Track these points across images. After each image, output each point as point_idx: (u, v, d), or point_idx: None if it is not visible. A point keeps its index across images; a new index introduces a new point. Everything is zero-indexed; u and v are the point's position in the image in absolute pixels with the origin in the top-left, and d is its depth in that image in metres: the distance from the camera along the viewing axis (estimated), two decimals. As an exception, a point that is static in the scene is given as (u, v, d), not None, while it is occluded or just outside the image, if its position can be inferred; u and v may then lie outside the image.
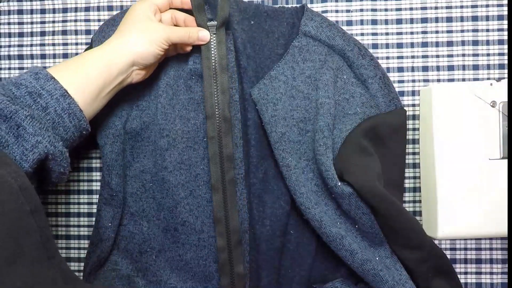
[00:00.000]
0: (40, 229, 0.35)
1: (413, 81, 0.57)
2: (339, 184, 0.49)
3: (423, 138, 0.54)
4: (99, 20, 0.59)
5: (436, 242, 0.55)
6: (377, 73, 0.54)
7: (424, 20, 0.57)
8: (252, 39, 0.55)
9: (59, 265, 0.36)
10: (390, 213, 0.48)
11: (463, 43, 0.57)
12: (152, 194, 0.54)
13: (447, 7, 0.57)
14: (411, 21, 0.57)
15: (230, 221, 0.52)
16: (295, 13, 0.56)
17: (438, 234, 0.50)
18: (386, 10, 0.57)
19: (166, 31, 0.48)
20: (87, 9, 0.59)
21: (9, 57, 0.60)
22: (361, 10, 0.57)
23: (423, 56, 0.57)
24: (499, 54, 0.56)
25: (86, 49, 0.55)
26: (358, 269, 0.49)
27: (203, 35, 0.50)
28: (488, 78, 0.56)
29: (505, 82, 0.49)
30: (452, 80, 0.57)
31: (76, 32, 0.59)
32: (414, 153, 0.57)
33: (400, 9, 0.57)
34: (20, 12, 0.60)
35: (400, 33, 0.57)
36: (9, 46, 0.60)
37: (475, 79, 0.57)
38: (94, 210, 0.58)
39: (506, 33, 0.56)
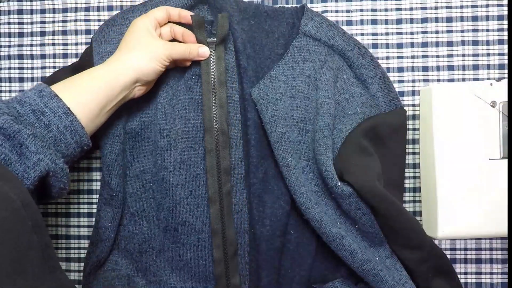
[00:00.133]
0: (42, 243, 0.36)
1: (413, 81, 0.57)
2: (339, 184, 0.49)
3: (423, 138, 0.54)
4: (99, 20, 0.59)
5: (436, 242, 0.55)
6: (377, 73, 0.54)
7: (424, 20, 0.57)
8: (252, 39, 0.55)
9: (60, 279, 0.37)
10: (390, 213, 0.48)
11: (463, 43, 0.57)
12: (152, 194, 0.54)
13: (447, 7, 0.57)
14: (411, 21, 0.57)
15: (227, 233, 0.52)
16: (295, 13, 0.56)
17: (438, 234, 0.50)
18: (386, 10, 0.57)
19: (168, 48, 0.49)
20: (87, 9, 0.59)
21: (9, 57, 0.60)
22: (361, 10, 0.57)
23: (423, 56, 0.57)
24: (499, 54, 0.56)
25: (86, 49, 0.55)
26: (358, 269, 0.49)
27: (203, 51, 0.51)
28: (488, 78, 0.56)
29: (505, 82, 0.49)
30: (452, 80, 0.57)
31: (76, 32, 0.59)
32: (414, 153, 0.57)
33: (400, 9, 0.57)
34: (20, 12, 0.60)
35: (400, 33, 0.57)
36: (9, 46, 0.60)
37: (475, 79, 0.57)
38: (94, 210, 0.58)
39: (506, 33, 0.56)
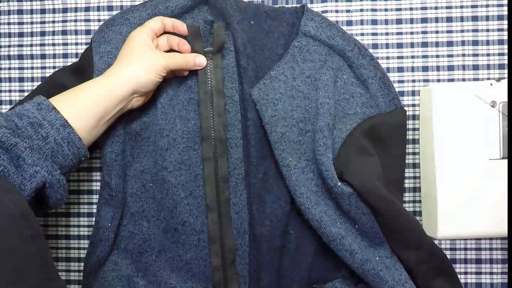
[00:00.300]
0: (40, 253, 0.37)
1: (413, 81, 0.57)
2: (339, 184, 0.49)
3: (423, 138, 0.54)
4: (99, 20, 0.59)
5: (436, 242, 0.55)
6: (377, 73, 0.54)
7: (424, 20, 0.57)
8: (252, 39, 0.55)
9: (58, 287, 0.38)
10: (390, 213, 0.48)
11: (463, 43, 0.57)
12: (152, 194, 0.54)
13: (447, 7, 0.57)
14: (411, 21, 0.57)
15: (225, 240, 0.52)
16: (295, 13, 0.56)
17: (438, 234, 0.50)
18: (386, 10, 0.57)
19: (165, 59, 0.49)
20: (87, 9, 0.59)
21: (9, 57, 0.60)
22: (361, 10, 0.57)
23: (423, 56, 0.57)
24: (499, 54, 0.56)
25: (85, 49, 0.55)
26: (358, 269, 0.49)
27: (199, 61, 0.52)
28: (488, 78, 0.56)
29: (505, 82, 0.49)
30: (452, 80, 0.57)
31: (76, 32, 0.59)
32: (414, 153, 0.57)
33: (400, 9, 0.57)
34: (20, 12, 0.60)
35: (400, 33, 0.57)
36: (9, 46, 0.60)
37: (475, 79, 0.57)
38: (94, 210, 0.58)
39: (506, 33, 0.56)
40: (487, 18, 0.56)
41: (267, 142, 0.53)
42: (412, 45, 0.57)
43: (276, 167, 0.54)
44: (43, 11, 0.59)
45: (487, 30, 0.56)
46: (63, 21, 0.59)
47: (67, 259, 0.59)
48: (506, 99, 0.49)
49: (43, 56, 0.59)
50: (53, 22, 0.59)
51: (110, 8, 0.59)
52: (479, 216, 0.49)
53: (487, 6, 0.56)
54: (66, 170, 0.45)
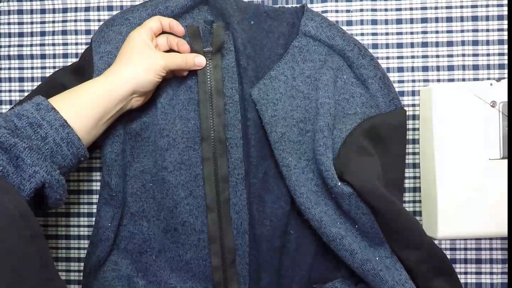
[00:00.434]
0: (40, 253, 0.37)
1: (413, 81, 0.57)
2: (339, 184, 0.49)
3: (423, 138, 0.54)
4: (99, 20, 0.59)
5: (436, 242, 0.55)
6: (377, 73, 0.54)
7: (424, 20, 0.57)
8: (252, 39, 0.55)
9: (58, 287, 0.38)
10: (390, 213, 0.48)
11: (463, 43, 0.57)
12: (152, 194, 0.54)
13: (447, 7, 0.57)
14: (411, 21, 0.57)
15: (225, 240, 0.52)
16: (295, 13, 0.56)
17: (438, 234, 0.50)
18: (386, 10, 0.57)
19: (164, 59, 0.49)
20: (87, 9, 0.59)
21: (9, 57, 0.60)
22: (361, 10, 0.57)
23: (423, 56, 0.57)
24: (499, 54, 0.56)
25: (85, 49, 0.55)
26: (358, 269, 0.49)
27: (199, 61, 0.52)
28: (488, 78, 0.56)
29: (505, 82, 0.49)
30: (452, 80, 0.57)
31: (76, 32, 0.59)
32: (414, 153, 0.57)
33: (400, 9, 0.57)
34: (20, 12, 0.60)
35: (400, 33, 0.57)
36: (9, 46, 0.60)
37: (475, 79, 0.57)
38: (94, 210, 0.58)
39: (506, 33, 0.56)
40: (487, 18, 0.56)
41: (267, 142, 0.53)
42: (412, 45, 0.57)
43: (276, 167, 0.54)
44: (43, 11, 0.59)
45: (487, 30, 0.56)
46: (63, 21, 0.59)
47: (67, 259, 0.59)
48: (506, 99, 0.49)
49: (43, 56, 0.59)
50: (53, 22, 0.59)
51: (110, 8, 0.59)
52: (479, 216, 0.49)
53: (487, 6, 0.56)
54: (65, 170, 0.45)
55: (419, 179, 0.56)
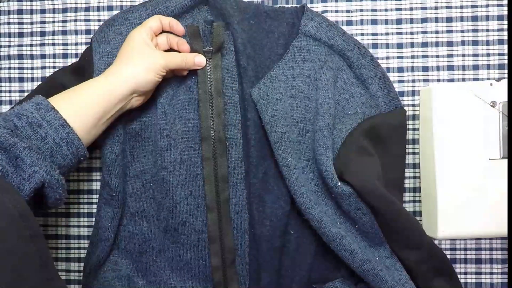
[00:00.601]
0: (39, 253, 0.37)
1: (413, 81, 0.57)
2: (339, 184, 0.49)
3: (423, 138, 0.54)
4: (99, 20, 0.59)
5: (436, 242, 0.55)
6: (377, 73, 0.54)
7: (424, 20, 0.57)
8: (252, 39, 0.55)
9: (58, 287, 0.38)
10: (390, 213, 0.48)
11: (463, 43, 0.57)
12: (152, 194, 0.54)
13: (447, 7, 0.57)
14: (411, 21, 0.57)
15: (225, 240, 0.52)
16: (295, 13, 0.56)
17: (438, 234, 0.50)
18: (386, 10, 0.57)
19: (164, 59, 0.49)
20: (87, 9, 0.59)
21: (9, 57, 0.60)
22: (361, 10, 0.57)
23: (423, 56, 0.57)
24: (499, 54, 0.56)
25: (85, 49, 0.55)
26: (358, 269, 0.49)
27: (199, 60, 0.52)
28: (488, 78, 0.56)
29: (505, 82, 0.49)
30: (452, 80, 0.57)
31: (76, 32, 0.59)
32: (414, 153, 0.57)
33: (400, 9, 0.57)
34: (20, 12, 0.60)
35: (400, 33, 0.57)
36: (9, 46, 0.60)
37: (475, 79, 0.57)
38: (94, 210, 0.58)
39: (506, 33, 0.56)
40: (487, 18, 0.56)
41: (267, 142, 0.53)
42: (412, 45, 0.57)
43: (276, 167, 0.54)
44: (43, 11, 0.59)
45: (487, 30, 0.56)
46: (63, 21, 0.59)
47: (67, 259, 0.59)
48: (506, 99, 0.49)
49: (43, 56, 0.59)
50: (53, 22, 0.59)
51: (110, 8, 0.59)
52: (479, 216, 0.49)
53: (487, 6, 0.56)
54: (65, 170, 0.44)
55: (419, 179, 0.56)
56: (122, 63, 0.48)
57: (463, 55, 0.57)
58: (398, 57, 0.57)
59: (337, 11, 0.58)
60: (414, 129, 0.57)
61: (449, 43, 0.57)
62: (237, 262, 0.53)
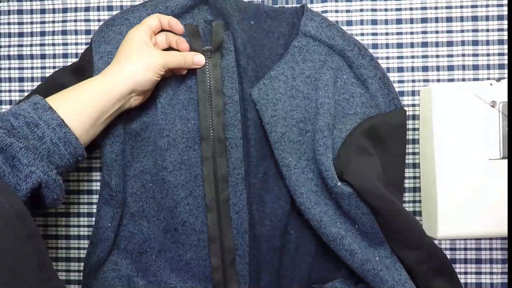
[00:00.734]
0: (37, 253, 0.36)
1: (413, 81, 0.57)
2: (339, 184, 0.49)
3: (423, 138, 0.54)
4: (99, 20, 0.59)
5: (436, 242, 0.55)
6: (377, 73, 0.54)
7: (424, 20, 0.57)
8: (252, 39, 0.55)
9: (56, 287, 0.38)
10: (390, 213, 0.48)
11: (463, 43, 0.57)
12: (152, 194, 0.54)
13: (447, 7, 0.57)
14: (411, 21, 0.57)
15: (225, 240, 0.52)
16: (295, 13, 0.56)
17: (438, 234, 0.50)
18: (386, 10, 0.57)
19: (163, 58, 0.49)
20: (87, 9, 0.59)
21: (9, 57, 0.60)
22: (361, 10, 0.57)
23: (423, 56, 0.57)
24: (499, 54, 0.56)
25: (85, 49, 0.55)
26: (358, 269, 0.49)
27: (198, 59, 0.52)
28: (488, 78, 0.56)
29: (505, 82, 0.49)
30: (452, 80, 0.57)
31: (76, 32, 0.59)
32: (414, 153, 0.57)
33: (400, 9, 0.57)
34: (20, 12, 0.60)
35: (400, 33, 0.57)
36: (9, 46, 0.60)
37: (475, 79, 0.57)
38: (94, 210, 0.58)
39: (506, 33, 0.56)
40: (487, 18, 0.56)
41: (267, 142, 0.53)
42: (412, 45, 0.57)
43: (276, 167, 0.54)
44: (43, 11, 0.59)
45: (487, 30, 0.56)
46: (63, 21, 0.59)
47: (67, 259, 0.59)
48: (506, 99, 0.49)
49: (43, 56, 0.59)
50: (53, 22, 0.59)
51: (110, 8, 0.59)
52: (479, 216, 0.49)
53: (487, 6, 0.56)
54: (63, 170, 0.44)
55: (419, 179, 0.56)
56: (120, 62, 0.48)
57: (463, 55, 0.57)
58: (398, 57, 0.57)
59: (337, 11, 0.58)
60: (414, 129, 0.57)
61: (449, 43, 0.57)
62: (237, 262, 0.53)
